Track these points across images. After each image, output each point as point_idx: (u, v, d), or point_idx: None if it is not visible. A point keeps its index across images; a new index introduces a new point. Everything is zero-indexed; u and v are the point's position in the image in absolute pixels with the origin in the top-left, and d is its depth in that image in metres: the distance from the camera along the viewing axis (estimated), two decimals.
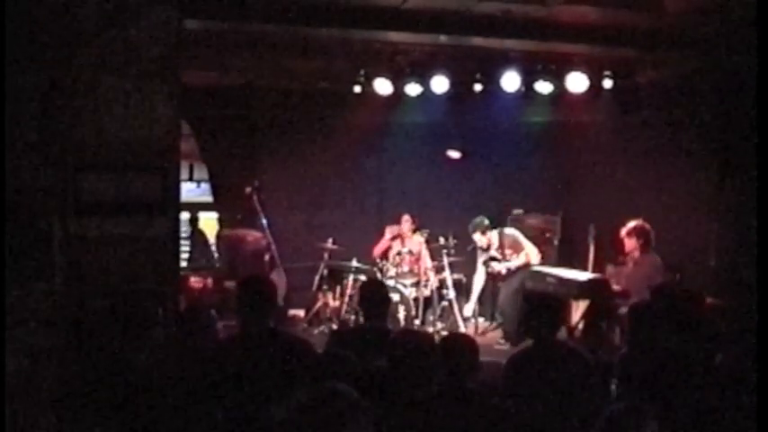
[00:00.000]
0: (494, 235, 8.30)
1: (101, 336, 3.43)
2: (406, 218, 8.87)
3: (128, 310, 3.77)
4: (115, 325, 3.38)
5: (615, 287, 7.08)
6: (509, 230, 8.38)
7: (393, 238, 8.76)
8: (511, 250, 8.22)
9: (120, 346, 3.25)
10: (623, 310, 6.96)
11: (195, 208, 10.30)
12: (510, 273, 8.20)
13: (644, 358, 4.00)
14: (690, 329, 4.15)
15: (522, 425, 3.20)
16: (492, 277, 8.46)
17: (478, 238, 8.29)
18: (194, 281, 8.18)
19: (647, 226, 7.02)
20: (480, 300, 8.80)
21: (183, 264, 8.92)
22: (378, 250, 8.80)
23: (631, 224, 7.06)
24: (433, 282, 8.56)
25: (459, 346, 3.45)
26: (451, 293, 8.48)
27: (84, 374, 3.20)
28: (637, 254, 7.02)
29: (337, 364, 3.27)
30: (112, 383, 3.09)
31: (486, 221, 8.27)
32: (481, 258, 8.44)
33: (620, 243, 7.16)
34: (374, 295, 4.66)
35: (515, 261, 8.19)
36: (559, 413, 3.78)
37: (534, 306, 4.20)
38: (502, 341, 8.10)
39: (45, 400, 3.95)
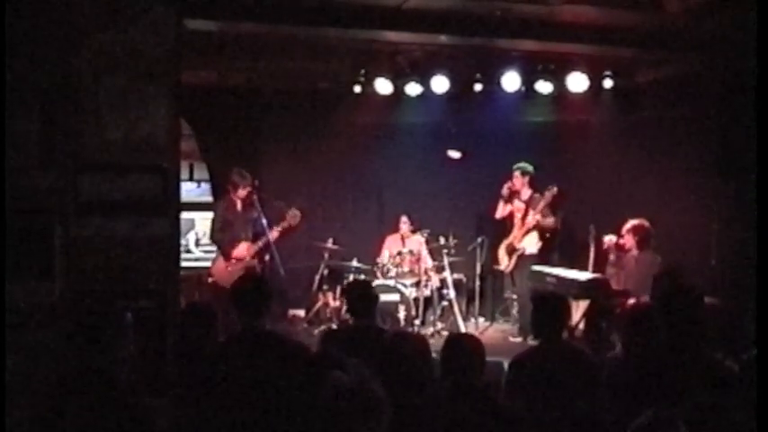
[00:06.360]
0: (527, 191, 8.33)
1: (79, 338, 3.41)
2: (403, 219, 8.88)
3: (97, 313, 3.71)
4: (87, 328, 3.34)
5: (615, 287, 7.09)
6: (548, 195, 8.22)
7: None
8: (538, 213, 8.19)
9: (90, 351, 3.20)
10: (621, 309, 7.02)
11: (195, 208, 10.26)
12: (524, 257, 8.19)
13: (641, 361, 3.95)
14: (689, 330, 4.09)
15: (528, 425, 3.18)
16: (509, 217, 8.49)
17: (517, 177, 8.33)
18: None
19: (647, 224, 7.04)
20: (481, 299, 8.82)
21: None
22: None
23: (631, 222, 7.08)
24: (434, 282, 8.56)
25: (465, 347, 3.43)
26: (452, 293, 8.48)
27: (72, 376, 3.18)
28: (635, 252, 7.05)
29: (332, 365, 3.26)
30: (92, 387, 3.06)
31: (531, 168, 8.37)
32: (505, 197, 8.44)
33: (619, 240, 7.23)
34: (360, 294, 4.71)
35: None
36: (564, 413, 3.76)
37: (539, 305, 4.17)
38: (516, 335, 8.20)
39: (45, 399, 3.95)
